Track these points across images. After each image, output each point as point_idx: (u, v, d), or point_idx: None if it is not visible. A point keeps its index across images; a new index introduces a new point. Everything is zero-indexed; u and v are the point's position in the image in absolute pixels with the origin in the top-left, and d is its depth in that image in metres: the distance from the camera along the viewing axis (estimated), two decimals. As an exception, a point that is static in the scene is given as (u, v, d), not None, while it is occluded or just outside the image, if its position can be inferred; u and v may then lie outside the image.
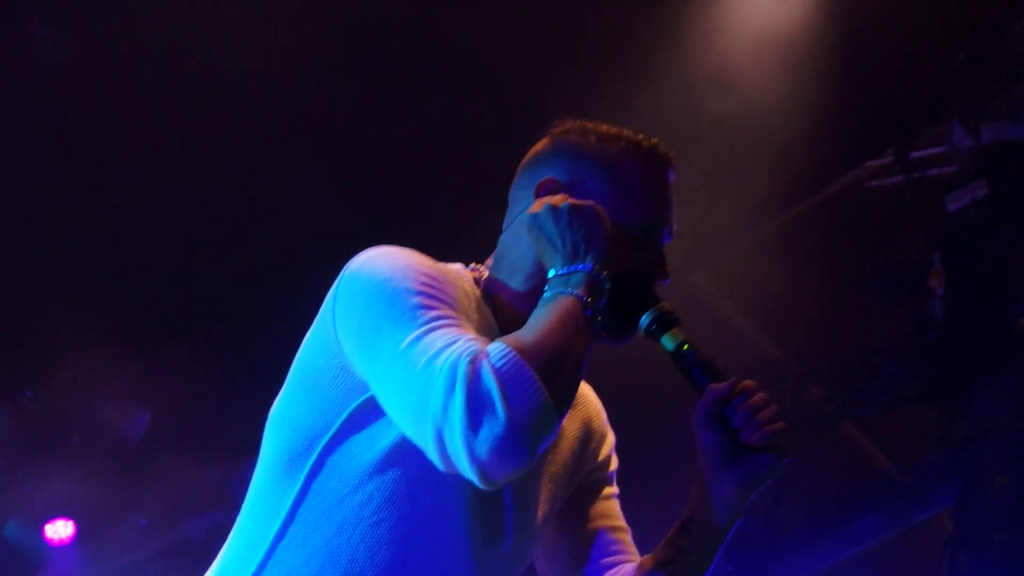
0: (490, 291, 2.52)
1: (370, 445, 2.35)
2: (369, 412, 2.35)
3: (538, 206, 2.42)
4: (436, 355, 2.17)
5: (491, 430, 2.11)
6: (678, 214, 2.56)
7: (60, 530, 7.77)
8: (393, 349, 2.23)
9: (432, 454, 2.18)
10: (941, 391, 7.14)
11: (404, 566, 2.35)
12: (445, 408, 2.13)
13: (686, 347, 2.46)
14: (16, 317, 6.99)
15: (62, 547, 7.81)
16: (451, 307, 2.30)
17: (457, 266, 2.55)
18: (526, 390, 2.13)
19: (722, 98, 6.23)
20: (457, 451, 2.13)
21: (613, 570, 2.61)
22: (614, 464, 2.71)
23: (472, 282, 2.52)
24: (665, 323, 2.47)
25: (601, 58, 6.10)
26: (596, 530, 2.64)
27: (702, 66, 6.18)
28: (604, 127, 2.57)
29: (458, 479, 2.23)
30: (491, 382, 2.13)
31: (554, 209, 2.39)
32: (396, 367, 2.22)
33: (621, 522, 2.68)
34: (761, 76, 6.23)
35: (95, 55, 5.95)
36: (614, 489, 2.70)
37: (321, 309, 2.43)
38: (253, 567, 2.41)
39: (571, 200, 2.40)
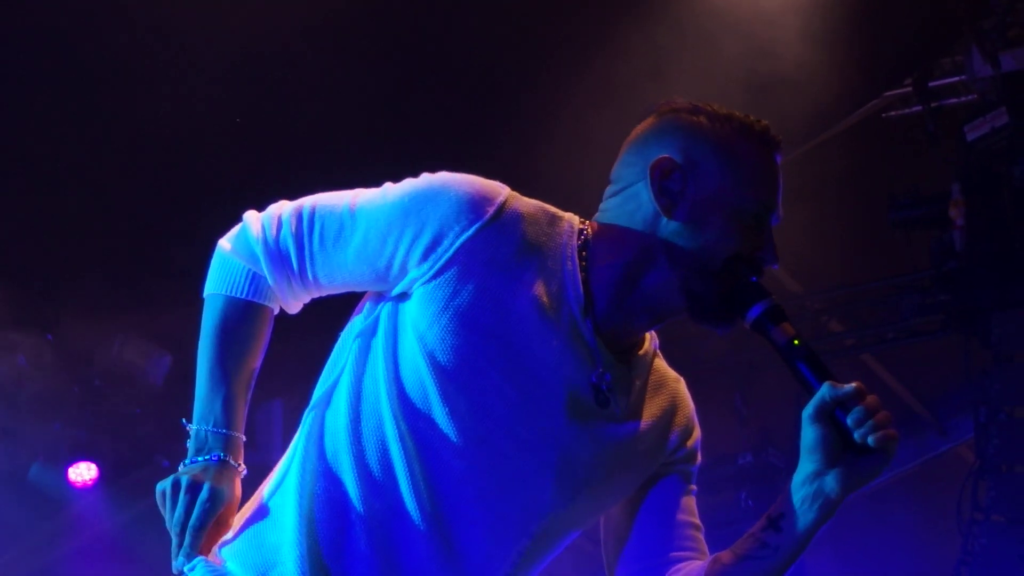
0: (591, 249, 2.49)
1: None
2: None
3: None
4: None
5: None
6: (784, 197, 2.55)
7: (83, 472, 7.80)
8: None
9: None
10: (960, 322, 7.13)
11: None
12: None
13: (797, 342, 2.44)
14: (37, 262, 6.99)
15: (85, 489, 7.85)
16: (379, 223, 2.41)
17: (571, 217, 2.54)
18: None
19: (737, 31, 6.18)
20: None
21: (681, 564, 2.58)
22: (697, 460, 2.68)
23: (575, 233, 2.50)
24: (775, 316, 2.45)
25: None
26: (671, 522, 2.62)
27: (716, 1, 6.13)
28: (714, 106, 2.55)
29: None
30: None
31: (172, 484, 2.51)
32: None
33: (696, 519, 2.66)
34: (777, 8, 6.18)
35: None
36: (694, 486, 2.68)
37: None
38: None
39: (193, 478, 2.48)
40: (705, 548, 2.62)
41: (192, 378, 2.45)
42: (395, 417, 2.39)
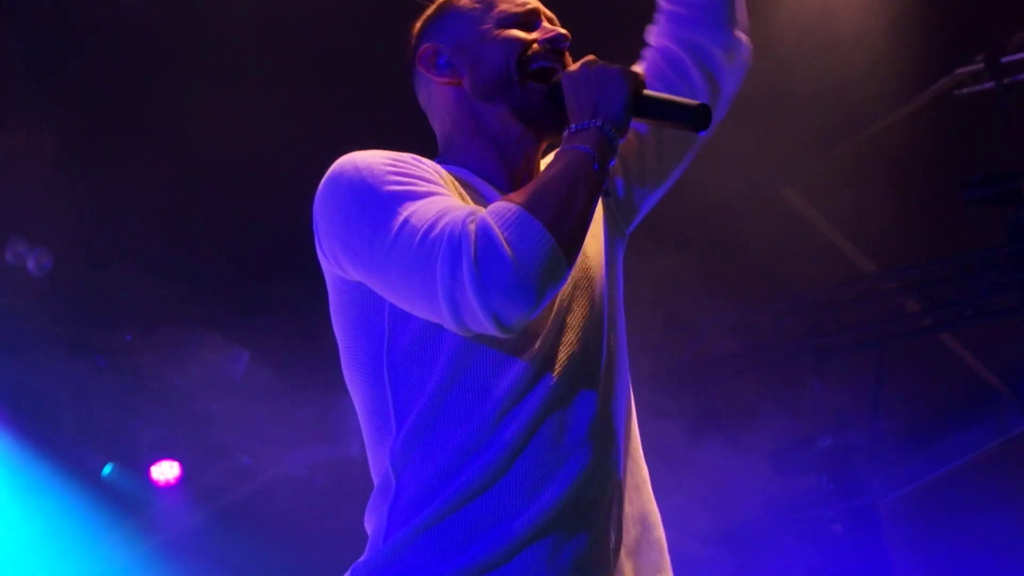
0: (452, 157, 2.66)
1: (425, 335, 2.42)
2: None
3: (575, 66, 2.56)
4: (431, 228, 2.29)
5: (499, 278, 2.22)
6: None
7: (166, 471, 7.86)
8: (384, 243, 2.33)
9: (448, 321, 2.28)
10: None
11: (525, 412, 2.42)
12: (453, 272, 2.24)
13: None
14: (116, 261, 7.05)
15: (168, 488, 7.91)
16: (428, 181, 2.41)
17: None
18: (531, 237, 2.26)
19: (806, 9, 6.14)
20: (471, 307, 2.24)
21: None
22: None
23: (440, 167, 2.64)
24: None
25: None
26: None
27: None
28: None
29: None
30: (494, 235, 2.25)
31: (575, 72, 2.53)
32: (392, 257, 2.32)
33: None
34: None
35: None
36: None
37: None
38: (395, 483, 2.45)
39: (594, 61, 2.53)
40: None
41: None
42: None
